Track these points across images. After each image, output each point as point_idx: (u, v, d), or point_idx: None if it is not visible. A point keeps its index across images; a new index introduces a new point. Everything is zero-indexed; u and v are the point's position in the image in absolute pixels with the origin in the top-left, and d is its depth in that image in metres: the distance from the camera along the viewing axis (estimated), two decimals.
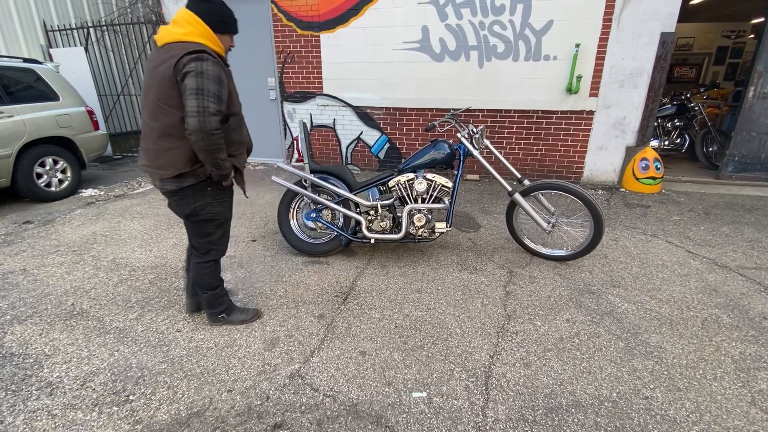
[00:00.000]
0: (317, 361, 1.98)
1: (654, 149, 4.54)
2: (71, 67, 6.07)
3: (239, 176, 1.98)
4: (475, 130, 2.87)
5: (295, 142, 5.88)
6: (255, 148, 6.47)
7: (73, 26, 6.47)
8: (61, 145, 4.72)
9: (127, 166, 6.48)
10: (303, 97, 5.62)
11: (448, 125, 2.88)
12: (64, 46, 6.53)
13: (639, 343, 2.14)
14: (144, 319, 2.33)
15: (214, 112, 1.64)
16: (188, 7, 1.72)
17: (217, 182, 1.84)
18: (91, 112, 5.11)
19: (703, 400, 1.78)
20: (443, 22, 4.73)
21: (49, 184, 4.60)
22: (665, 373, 1.93)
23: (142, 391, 1.80)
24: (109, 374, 1.90)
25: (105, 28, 6.50)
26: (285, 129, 5.88)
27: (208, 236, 1.99)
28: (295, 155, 5.96)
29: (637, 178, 4.55)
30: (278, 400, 1.75)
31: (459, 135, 2.85)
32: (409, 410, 1.70)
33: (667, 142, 5.85)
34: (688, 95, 5.81)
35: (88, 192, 4.96)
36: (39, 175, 4.51)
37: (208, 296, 2.12)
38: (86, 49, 6.25)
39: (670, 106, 5.82)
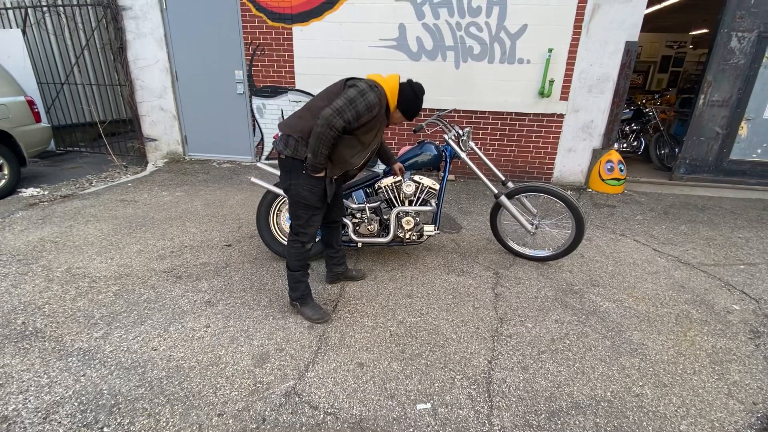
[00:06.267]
0: (313, 376, 1.88)
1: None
2: (5, 51, 5.41)
3: (329, 181, 2.10)
4: (461, 131, 2.86)
5: (274, 139, 5.62)
6: (221, 145, 6.17)
7: (8, 6, 5.75)
8: None
9: (74, 162, 5.90)
10: (273, 92, 5.38)
11: (434, 126, 2.85)
12: None
13: (623, 341, 2.22)
14: (112, 337, 2.10)
15: (345, 119, 1.87)
16: (401, 83, 2.08)
17: (309, 169, 1.97)
18: (31, 103, 4.59)
19: (687, 395, 1.88)
20: (420, 21, 4.70)
21: None
22: (650, 369, 2.02)
23: (119, 421, 1.61)
24: (76, 403, 1.68)
25: (47, 9, 5.85)
26: (254, 125, 5.60)
27: (297, 219, 2.14)
28: (265, 153, 5.71)
29: (603, 179, 4.79)
30: (276, 422, 1.63)
31: (446, 137, 2.83)
32: (416, 424, 1.65)
33: (625, 145, 6.23)
34: (644, 101, 6.21)
35: (29, 191, 4.45)
36: None
37: (288, 275, 2.26)
38: (24, 32, 5.59)
39: (627, 111, 6.19)
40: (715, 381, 1.97)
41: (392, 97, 2.03)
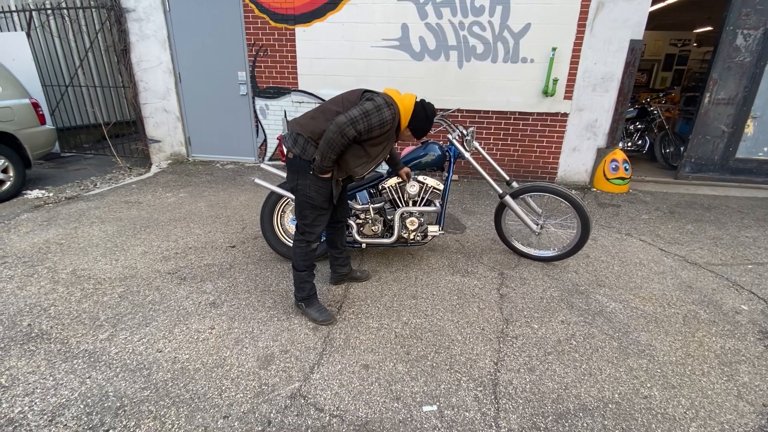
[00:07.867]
0: (318, 378, 1.87)
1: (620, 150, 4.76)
2: (10, 54, 5.43)
3: (336, 182, 2.15)
4: (465, 131, 2.85)
5: (278, 141, 5.62)
6: (225, 146, 6.24)
7: (13, 9, 5.79)
8: (1, 142, 4.21)
9: (78, 164, 5.92)
10: (277, 92, 5.38)
11: (438, 126, 2.84)
12: (1, 31, 5.84)
13: (631, 342, 2.20)
14: (117, 339, 2.10)
15: (357, 129, 1.90)
16: (416, 103, 2.12)
17: (316, 170, 2.01)
18: (36, 105, 4.60)
19: (696, 396, 1.85)
20: (423, 21, 4.69)
21: None
22: (659, 370, 2.00)
23: (124, 423, 1.61)
24: (81, 406, 1.68)
25: (51, 11, 5.88)
26: (257, 126, 5.61)
27: (303, 218, 2.18)
28: (268, 154, 5.71)
29: (608, 179, 4.76)
30: (281, 425, 1.62)
31: (450, 137, 2.81)
32: (422, 426, 1.64)
33: (629, 144, 6.18)
34: (648, 100, 6.16)
35: (34, 193, 4.47)
36: None
37: (294, 275, 2.28)
38: (28, 35, 5.62)
39: (632, 109, 6.15)
40: (724, 382, 1.94)
41: (405, 116, 2.08)
